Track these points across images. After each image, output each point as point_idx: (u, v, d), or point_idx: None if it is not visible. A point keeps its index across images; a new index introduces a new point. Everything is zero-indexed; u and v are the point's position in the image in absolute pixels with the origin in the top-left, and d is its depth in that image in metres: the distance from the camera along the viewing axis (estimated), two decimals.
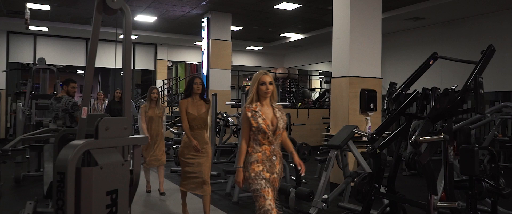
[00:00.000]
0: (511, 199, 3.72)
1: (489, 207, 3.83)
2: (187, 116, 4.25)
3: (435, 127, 3.69)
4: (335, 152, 4.61)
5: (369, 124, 6.08)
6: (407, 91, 3.57)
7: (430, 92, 3.28)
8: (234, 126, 8.28)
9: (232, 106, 7.91)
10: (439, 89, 3.26)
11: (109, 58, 14.02)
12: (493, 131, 5.56)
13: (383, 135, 3.61)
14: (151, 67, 16.25)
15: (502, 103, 4.82)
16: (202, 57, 11.22)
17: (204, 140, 4.33)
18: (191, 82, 4.27)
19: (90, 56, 2.52)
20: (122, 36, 2.62)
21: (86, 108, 2.50)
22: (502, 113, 4.93)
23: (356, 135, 4.89)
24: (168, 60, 16.47)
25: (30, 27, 12.60)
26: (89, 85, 2.55)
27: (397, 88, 3.62)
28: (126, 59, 2.55)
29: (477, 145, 3.22)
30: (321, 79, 20.49)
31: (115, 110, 7.97)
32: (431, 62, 3.63)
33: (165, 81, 16.02)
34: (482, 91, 2.91)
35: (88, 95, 2.58)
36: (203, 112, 4.28)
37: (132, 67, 15.77)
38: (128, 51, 2.59)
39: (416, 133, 2.91)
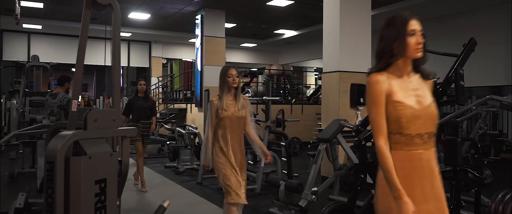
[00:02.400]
0: (494, 189, 3.80)
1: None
2: (400, 111, 1.78)
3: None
4: (324, 146, 4.70)
5: (360, 118, 6.16)
6: None
7: None
8: None
9: None
10: None
11: (104, 56, 14.06)
12: (478, 124, 5.68)
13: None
14: (146, 64, 16.30)
15: (487, 96, 4.93)
16: (196, 54, 11.28)
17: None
18: (401, 31, 1.86)
19: (80, 52, 2.59)
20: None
21: (76, 101, 2.57)
22: (487, 105, 5.05)
23: (345, 128, 4.97)
24: (163, 58, 16.52)
25: (24, 25, 12.65)
26: (79, 81, 2.63)
27: None
28: (115, 55, 2.62)
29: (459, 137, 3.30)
30: (315, 76, 20.58)
31: (140, 109, 5.89)
32: None
33: (160, 79, 16.07)
34: (463, 83, 3.00)
35: (78, 89, 2.66)
36: (430, 102, 1.83)
37: (126, 65, 15.85)
38: (117, 47, 2.66)
39: None
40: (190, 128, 8.26)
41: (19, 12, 5.98)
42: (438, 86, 3.10)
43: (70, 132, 2.04)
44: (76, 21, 12.41)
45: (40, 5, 10.66)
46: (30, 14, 11.66)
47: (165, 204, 1.97)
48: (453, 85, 3.12)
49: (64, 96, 5.71)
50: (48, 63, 8.85)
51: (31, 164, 6.85)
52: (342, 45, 6.19)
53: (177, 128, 8.16)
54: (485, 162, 7.37)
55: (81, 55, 2.62)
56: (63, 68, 10.09)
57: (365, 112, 6.39)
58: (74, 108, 2.54)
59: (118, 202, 2.36)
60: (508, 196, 2.84)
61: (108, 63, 2.70)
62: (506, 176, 7.23)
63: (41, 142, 5.02)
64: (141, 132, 5.86)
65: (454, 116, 5.27)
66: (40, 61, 9.13)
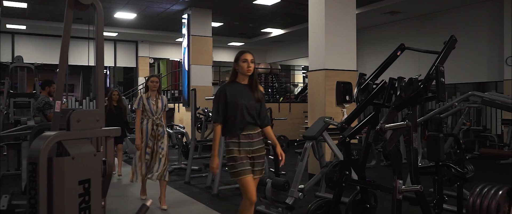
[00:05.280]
0: (476, 183, 3.88)
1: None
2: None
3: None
4: (310, 143, 4.74)
5: (346, 116, 6.22)
6: (376, 81, 3.71)
7: (396, 82, 3.43)
8: None
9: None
10: (405, 78, 3.41)
11: (90, 56, 13.93)
12: (461, 120, 5.78)
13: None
14: (132, 64, 16.20)
15: (469, 92, 5.02)
16: (184, 53, 11.25)
17: None
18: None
19: (63, 52, 2.59)
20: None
21: (59, 102, 2.57)
22: (469, 102, 5.15)
23: (331, 126, 5.03)
24: (150, 57, 16.44)
25: (8, 26, 12.47)
26: (62, 81, 2.62)
27: (366, 78, 3.75)
28: (98, 55, 2.61)
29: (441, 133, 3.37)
30: (303, 74, 20.67)
31: (244, 108, 3.11)
32: (398, 53, 3.77)
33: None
34: (443, 80, 3.06)
35: (61, 90, 2.65)
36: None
37: (113, 65, 15.73)
38: (101, 47, 2.65)
39: (382, 121, 3.04)
40: (178, 128, 8.25)
41: (0, 12, 5.90)
42: (419, 83, 3.16)
43: (53, 133, 2.03)
44: (61, 21, 12.19)
45: (24, 5, 10.52)
46: (13, 14, 11.50)
47: (148, 203, 1.97)
48: (434, 82, 3.17)
49: (43, 98, 5.74)
50: (32, 63, 8.74)
51: (16, 166, 6.76)
52: (328, 43, 6.24)
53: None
54: (467, 157, 7.49)
55: (64, 55, 2.62)
56: (48, 68, 9.98)
57: (350, 110, 6.45)
58: (57, 108, 2.53)
59: (103, 203, 2.36)
60: (486, 189, 2.91)
61: (92, 63, 2.69)
62: (488, 170, 7.38)
63: (26, 144, 4.98)
64: (247, 153, 3.10)
65: (438, 112, 5.36)
66: (24, 61, 9.02)
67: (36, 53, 13.71)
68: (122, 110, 7.12)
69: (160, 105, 4.89)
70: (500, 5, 9.43)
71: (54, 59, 14.05)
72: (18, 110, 7.24)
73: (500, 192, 3.07)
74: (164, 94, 15.10)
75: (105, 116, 5.69)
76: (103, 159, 2.37)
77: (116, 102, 7.03)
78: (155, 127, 4.80)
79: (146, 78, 5.60)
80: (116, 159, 7.09)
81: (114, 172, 6.80)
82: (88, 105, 13.83)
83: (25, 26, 12.79)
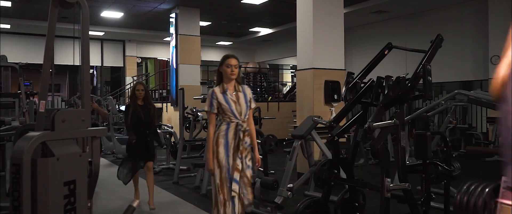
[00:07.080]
0: (463, 180, 3.92)
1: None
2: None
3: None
4: (299, 142, 4.74)
5: (334, 115, 6.25)
6: (363, 80, 3.72)
7: (384, 80, 3.44)
8: (204, 121, 8.32)
9: (202, 100, 7.93)
10: (392, 77, 3.42)
11: (77, 55, 13.75)
12: (448, 118, 5.85)
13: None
14: (120, 64, 16.05)
15: (456, 91, 5.08)
16: (171, 52, 11.18)
17: None
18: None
19: (47, 52, 2.55)
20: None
21: (43, 101, 2.53)
22: (456, 100, 5.20)
23: (319, 125, 5.03)
24: (137, 57, 16.31)
25: None
26: (47, 81, 2.59)
27: (354, 77, 3.77)
28: (84, 54, 2.58)
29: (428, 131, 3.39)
30: (292, 73, 20.72)
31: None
32: (386, 52, 3.79)
33: (135, 78, 15.85)
34: (430, 78, 3.08)
35: (45, 90, 2.61)
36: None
37: (100, 64, 15.57)
38: (86, 46, 2.62)
39: (370, 120, 3.05)
40: (166, 128, 8.20)
41: None
42: (407, 82, 3.18)
43: (37, 133, 1.99)
44: (46, 20, 12.05)
45: (8, 3, 10.34)
46: None
47: (135, 204, 1.95)
48: (421, 81, 3.19)
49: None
50: (17, 63, 8.59)
51: (0, 167, 6.64)
52: (316, 42, 6.26)
53: None
54: (454, 155, 7.58)
55: (48, 54, 2.58)
56: (33, 68, 9.82)
57: (339, 109, 6.47)
58: (41, 109, 2.49)
59: (89, 204, 2.33)
60: (473, 187, 2.94)
61: (78, 62, 2.65)
62: (474, 167, 7.48)
63: (10, 144, 4.89)
64: None
65: (425, 110, 5.41)
66: (8, 61, 8.85)
67: (21, 53, 13.46)
68: (151, 111, 4.80)
69: (242, 100, 3.15)
70: (485, 4, 9.56)
71: (40, 59, 13.74)
72: (2, 110, 7.12)
73: (487, 190, 3.10)
74: (155, 95, 15.04)
75: (128, 120, 4.89)
76: (89, 159, 2.34)
77: (142, 100, 4.75)
78: (240, 134, 3.10)
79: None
80: (135, 181, 5.07)
81: (152, 208, 4.78)
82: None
83: (9, 25, 12.58)
